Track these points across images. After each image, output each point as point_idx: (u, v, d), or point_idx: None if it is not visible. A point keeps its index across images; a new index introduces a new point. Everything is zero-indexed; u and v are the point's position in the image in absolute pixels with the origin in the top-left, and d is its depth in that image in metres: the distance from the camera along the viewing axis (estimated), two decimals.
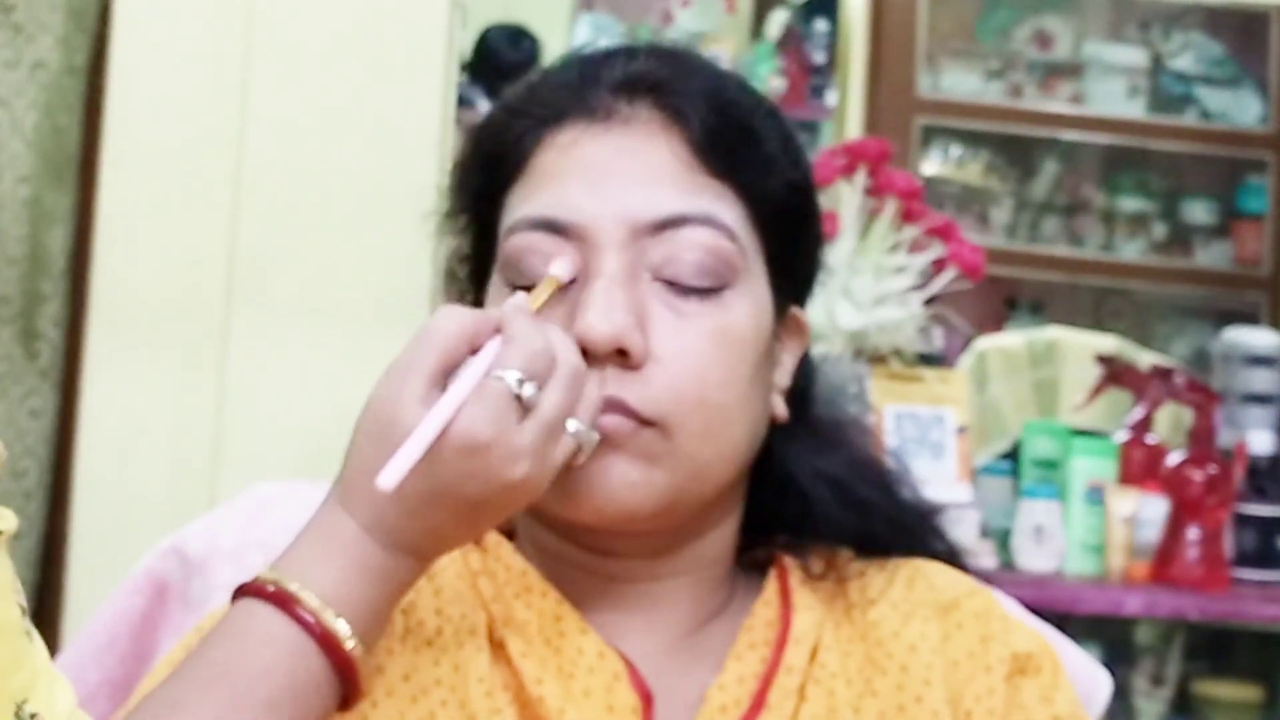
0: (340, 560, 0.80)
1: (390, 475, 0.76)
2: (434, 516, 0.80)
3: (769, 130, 0.92)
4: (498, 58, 4.30)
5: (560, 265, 0.87)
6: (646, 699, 0.87)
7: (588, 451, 0.84)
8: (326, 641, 0.79)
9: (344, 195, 1.88)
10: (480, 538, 0.91)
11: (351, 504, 0.81)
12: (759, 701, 0.89)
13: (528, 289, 0.88)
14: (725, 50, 4.31)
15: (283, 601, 0.79)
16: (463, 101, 1.97)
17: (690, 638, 0.93)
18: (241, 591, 0.81)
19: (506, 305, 0.83)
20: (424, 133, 1.89)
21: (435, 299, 1.87)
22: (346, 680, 0.80)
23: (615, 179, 0.88)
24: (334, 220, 1.88)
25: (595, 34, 4.37)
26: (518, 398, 0.79)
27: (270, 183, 1.88)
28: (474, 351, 0.81)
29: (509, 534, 0.95)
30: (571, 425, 0.82)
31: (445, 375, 0.80)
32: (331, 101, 1.89)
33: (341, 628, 0.79)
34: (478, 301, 0.94)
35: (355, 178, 1.88)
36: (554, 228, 0.88)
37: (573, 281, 0.88)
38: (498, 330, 0.82)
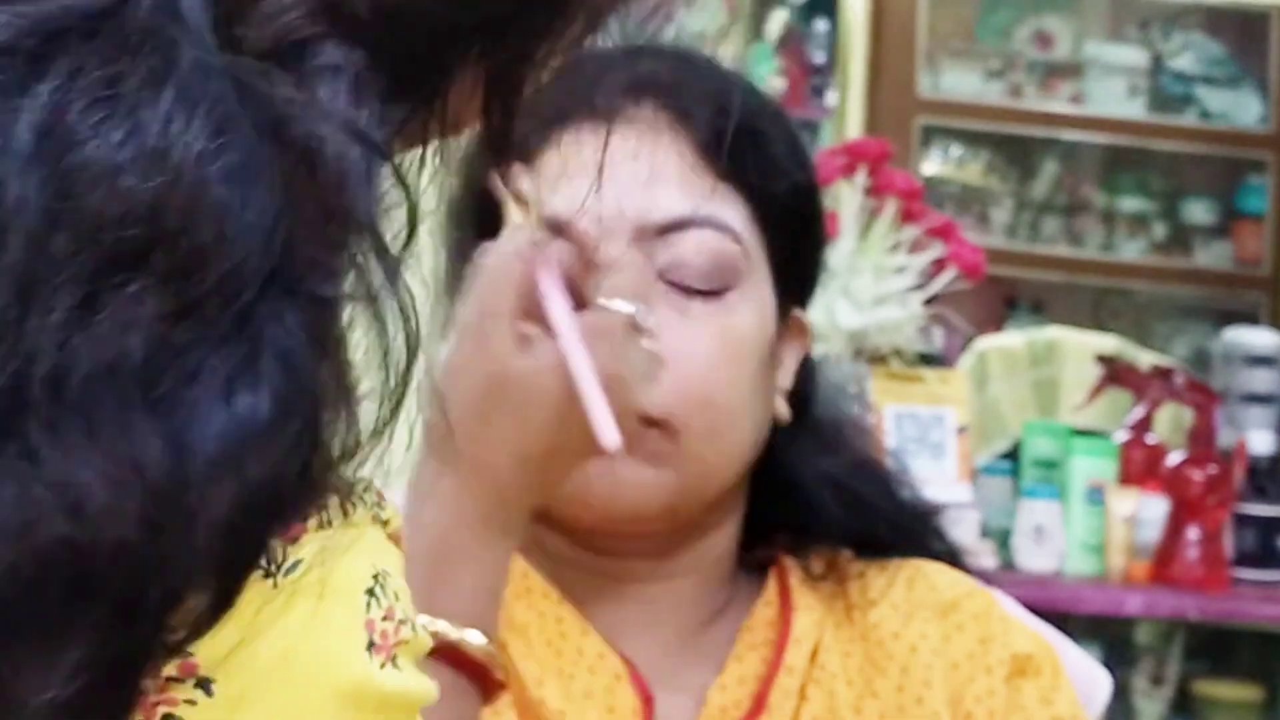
0: (474, 573, 0.77)
1: (611, 433, 0.74)
2: (547, 474, 0.78)
3: (775, 132, 0.93)
4: None
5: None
6: (647, 700, 0.88)
7: None
8: (481, 674, 0.76)
9: None
10: None
11: (478, 481, 0.77)
12: (759, 703, 0.89)
13: None
14: (725, 50, 4.31)
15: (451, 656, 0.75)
16: None
17: (691, 638, 0.92)
18: None
19: (578, 215, 0.80)
20: None
21: (435, 298, 1.86)
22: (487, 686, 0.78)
23: (620, 180, 0.88)
24: None
25: None
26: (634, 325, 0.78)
27: None
28: None
29: None
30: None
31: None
32: None
33: (486, 654, 0.76)
34: None
35: None
36: (557, 227, 0.88)
37: None
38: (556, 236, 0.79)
